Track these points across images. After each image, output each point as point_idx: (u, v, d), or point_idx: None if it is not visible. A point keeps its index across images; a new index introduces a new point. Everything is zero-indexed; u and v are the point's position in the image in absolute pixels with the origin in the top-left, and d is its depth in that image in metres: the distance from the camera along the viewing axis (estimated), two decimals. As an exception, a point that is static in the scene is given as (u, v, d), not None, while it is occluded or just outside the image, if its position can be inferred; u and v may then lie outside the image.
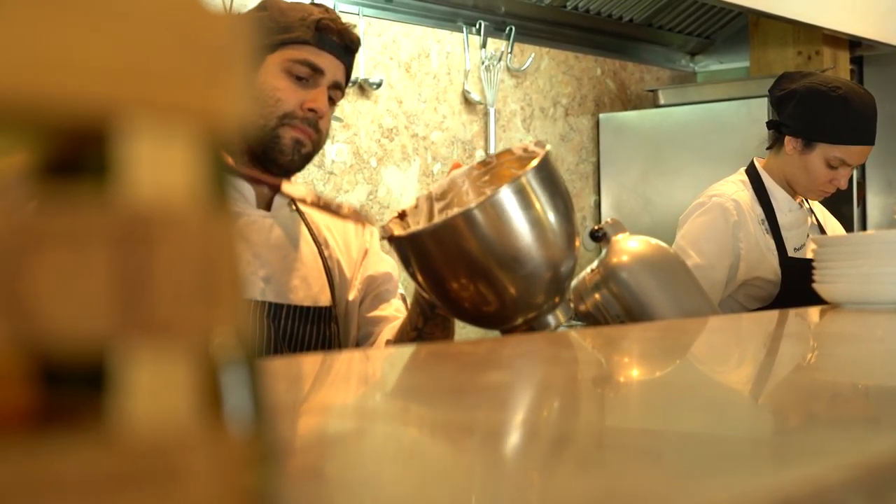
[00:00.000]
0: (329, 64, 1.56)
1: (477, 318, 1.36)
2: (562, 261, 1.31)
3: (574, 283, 1.51)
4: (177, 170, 0.28)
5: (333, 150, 3.09)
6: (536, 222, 1.27)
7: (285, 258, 1.57)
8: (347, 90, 3.26)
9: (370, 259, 1.67)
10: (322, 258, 1.61)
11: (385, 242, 1.41)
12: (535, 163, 1.30)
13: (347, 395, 0.85)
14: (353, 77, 3.08)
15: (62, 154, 0.28)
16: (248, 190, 1.57)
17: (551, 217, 1.29)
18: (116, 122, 0.28)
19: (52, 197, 0.28)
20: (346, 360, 1.17)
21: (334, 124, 3.04)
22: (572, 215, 1.34)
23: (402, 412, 0.69)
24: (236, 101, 0.30)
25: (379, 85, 3.18)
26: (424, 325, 1.48)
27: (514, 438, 0.57)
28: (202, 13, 0.30)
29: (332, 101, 1.59)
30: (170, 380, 0.27)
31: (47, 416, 0.26)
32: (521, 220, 1.26)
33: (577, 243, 1.35)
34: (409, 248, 1.31)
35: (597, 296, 1.46)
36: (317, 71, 1.54)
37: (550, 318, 1.34)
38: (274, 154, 1.53)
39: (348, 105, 3.12)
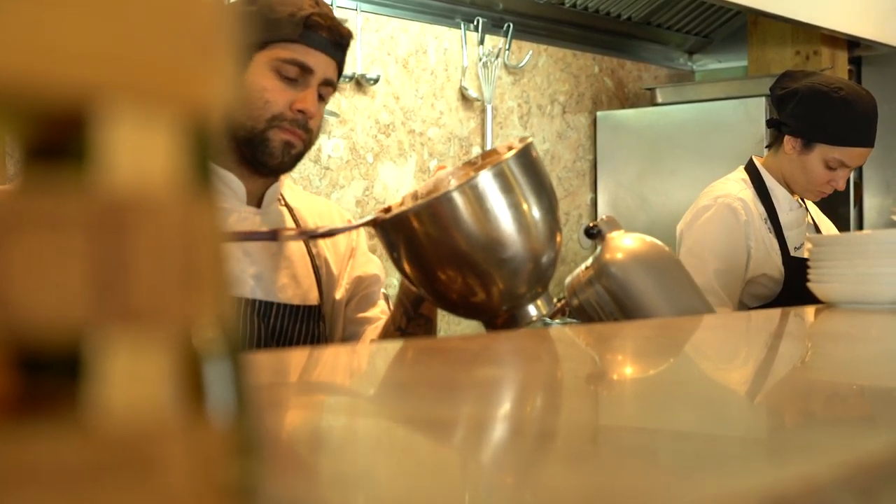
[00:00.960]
0: (319, 62, 1.52)
1: (459, 306, 1.38)
2: (542, 248, 1.33)
3: (568, 279, 1.51)
4: (158, 156, 0.28)
5: (330, 146, 3.08)
6: (516, 208, 1.30)
7: (274, 256, 1.56)
8: (344, 85, 3.25)
9: (358, 259, 1.66)
10: (310, 256, 1.60)
11: (374, 242, 1.42)
12: (515, 150, 1.32)
13: (336, 390, 0.84)
14: (350, 72, 3.09)
15: (41, 138, 0.28)
16: (238, 186, 1.55)
17: (532, 204, 1.32)
18: (97, 107, 0.27)
19: (30, 181, 0.27)
20: (334, 355, 1.17)
21: (331, 119, 3.03)
22: (554, 204, 1.36)
23: (392, 407, 0.68)
24: (221, 88, 0.30)
25: (376, 80, 3.17)
26: (407, 325, 1.48)
27: (506, 435, 0.57)
28: (187, -3, 0.29)
29: (323, 98, 1.57)
30: (148, 368, 0.26)
31: (22, 404, 0.26)
32: (500, 205, 1.29)
33: (559, 236, 1.37)
34: (393, 232, 1.32)
35: (591, 292, 1.46)
36: (306, 70, 1.51)
37: (532, 309, 1.36)
38: (263, 156, 1.51)
39: (345, 100, 3.11)
